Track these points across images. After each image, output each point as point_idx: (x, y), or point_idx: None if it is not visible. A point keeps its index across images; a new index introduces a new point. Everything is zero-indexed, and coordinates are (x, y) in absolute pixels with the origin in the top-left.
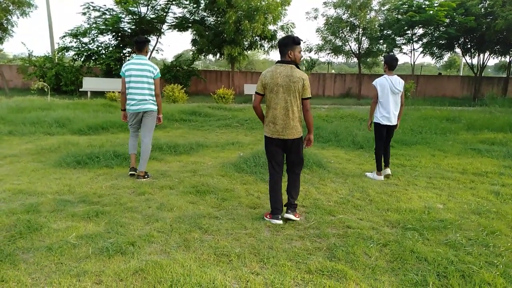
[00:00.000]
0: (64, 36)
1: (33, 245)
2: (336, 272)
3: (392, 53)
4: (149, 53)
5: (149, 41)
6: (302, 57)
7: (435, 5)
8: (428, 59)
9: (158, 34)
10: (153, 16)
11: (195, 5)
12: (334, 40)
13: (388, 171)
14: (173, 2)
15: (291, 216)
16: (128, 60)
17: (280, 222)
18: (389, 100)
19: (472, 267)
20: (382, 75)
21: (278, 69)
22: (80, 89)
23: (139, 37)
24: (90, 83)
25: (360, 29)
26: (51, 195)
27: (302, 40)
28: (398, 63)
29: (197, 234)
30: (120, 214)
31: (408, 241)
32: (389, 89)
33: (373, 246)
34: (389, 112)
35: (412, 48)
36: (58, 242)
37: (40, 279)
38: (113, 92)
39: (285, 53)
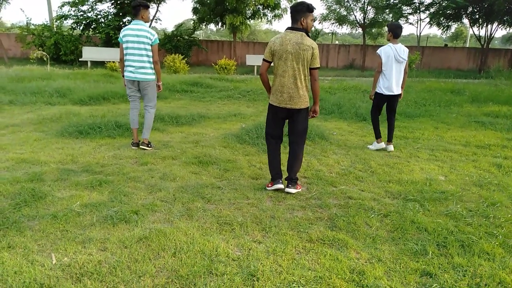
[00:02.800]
0: (63, 5)
1: (38, 212)
2: (337, 241)
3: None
4: (148, 22)
5: (143, 4)
6: (313, 25)
7: None
8: (434, 30)
9: (158, 1)
10: None
11: None
12: (338, 9)
13: (391, 147)
14: None
15: (291, 190)
16: (126, 25)
17: (282, 186)
18: (393, 69)
19: (472, 237)
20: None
21: (288, 35)
22: (80, 59)
23: (134, 1)
24: (90, 53)
25: None
26: (54, 165)
27: (315, 8)
28: (404, 33)
29: (199, 204)
30: (123, 183)
31: (409, 212)
32: (394, 58)
33: (374, 217)
34: (391, 81)
35: (419, 18)
36: (63, 210)
37: (46, 246)
38: (114, 62)
39: (297, 19)
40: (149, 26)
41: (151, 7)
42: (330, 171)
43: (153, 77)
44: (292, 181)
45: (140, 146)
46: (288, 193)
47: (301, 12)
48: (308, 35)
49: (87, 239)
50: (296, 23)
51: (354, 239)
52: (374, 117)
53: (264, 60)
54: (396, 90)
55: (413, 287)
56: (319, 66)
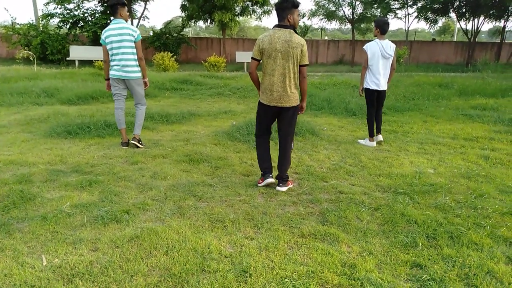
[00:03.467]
0: (48, 3)
1: (27, 214)
2: (328, 236)
3: (385, 17)
4: (137, 20)
5: (120, 3)
6: (299, 21)
7: None
8: (422, 25)
9: None
10: None
11: None
12: (327, 5)
13: (380, 137)
14: None
15: (282, 188)
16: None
17: (272, 180)
18: (379, 65)
19: (461, 228)
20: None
21: (276, 33)
22: (67, 58)
23: (110, 0)
24: (77, 52)
25: None
26: (43, 166)
27: (300, 3)
28: (392, 28)
29: (191, 202)
30: (114, 183)
31: (399, 205)
32: (380, 54)
33: (364, 210)
34: (378, 77)
35: (407, 13)
36: (53, 211)
37: (36, 247)
38: (101, 61)
39: (284, 17)
40: (137, 24)
41: (138, 4)
42: (321, 166)
43: (140, 74)
44: (282, 179)
45: (132, 142)
46: (279, 191)
47: (286, 9)
48: (296, 32)
49: (78, 240)
50: (283, 20)
51: (345, 233)
52: (369, 115)
53: (252, 58)
54: (383, 86)
55: (404, 279)
56: (308, 63)
